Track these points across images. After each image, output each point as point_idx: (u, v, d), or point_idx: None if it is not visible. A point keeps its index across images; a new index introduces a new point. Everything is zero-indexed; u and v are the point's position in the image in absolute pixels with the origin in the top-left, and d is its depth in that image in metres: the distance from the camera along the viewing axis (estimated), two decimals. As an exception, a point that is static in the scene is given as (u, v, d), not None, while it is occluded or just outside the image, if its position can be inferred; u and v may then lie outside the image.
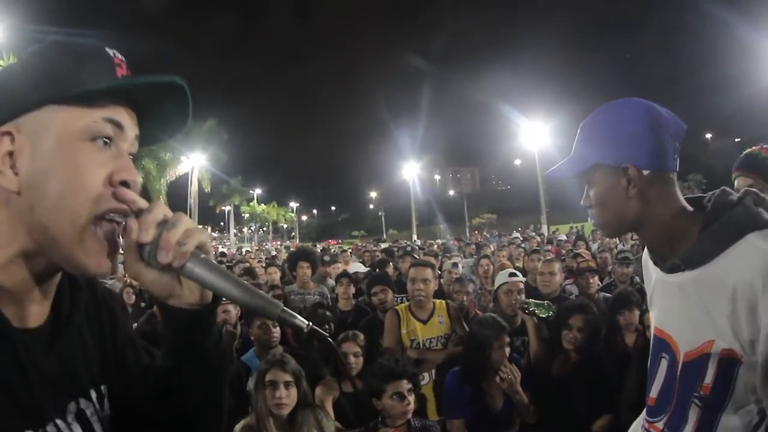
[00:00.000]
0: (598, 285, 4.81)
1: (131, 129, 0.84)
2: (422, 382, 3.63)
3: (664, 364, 1.42)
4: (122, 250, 0.84)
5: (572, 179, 1.49)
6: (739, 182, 2.06)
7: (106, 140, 0.81)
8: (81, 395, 0.86)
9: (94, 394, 0.89)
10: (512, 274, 4.14)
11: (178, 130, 0.93)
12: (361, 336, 3.54)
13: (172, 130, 0.94)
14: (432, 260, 5.48)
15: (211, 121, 37.10)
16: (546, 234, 23.31)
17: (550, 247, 11.03)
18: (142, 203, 0.82)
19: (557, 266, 4.63)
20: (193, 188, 36.94)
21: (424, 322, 3.85)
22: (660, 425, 1.40)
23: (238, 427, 2.74)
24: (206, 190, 38.60)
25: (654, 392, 1.45)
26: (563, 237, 16.61)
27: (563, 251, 9.14)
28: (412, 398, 2.80)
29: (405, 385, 2.78)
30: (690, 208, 1.36)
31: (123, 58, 0.85)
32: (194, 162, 35.76)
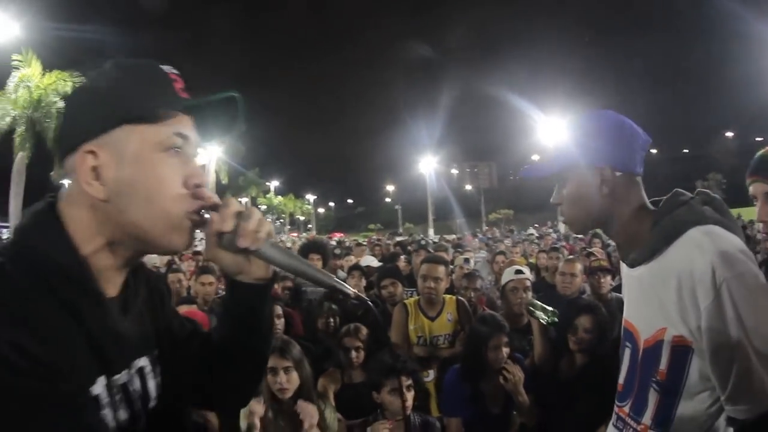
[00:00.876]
0: (611, 285, 4.59)
1: (194, 135, 1.02)
2: (426, 379, 3.63)
3: (627, 353, 1.58)
4: (205, 238, 1.04)
5: (546, 178, 1.62)
6: (755, 188, 1.92)
7: (177, 149, 0.98)
8: (144, 354, 1.07)
9: (151, 357, 1.10)
10: (518, 271, 4.04)
11: (233, 131, 1.12)
12: (364, 330, 3.51)
13: (227, 131, 1.12)
14: (444, 255, 5.45)
15: (228, 114, 37.31)
16: (562, 231, 23.14)
17: (564, 244, 10.94)
18: (217, 199, 1.02)
19: (579, 267, 4.48)
20: (211, 180, 37.22)
21: (433, 319, 3.82)
22: (626, 409, 1.55)
23: (244, 411, 2.74)
24: (223, 182, 38.84)
25: (621, 378, 1.61)
26: (580, 235, 16.47)
27: (577, 249, 9.06)
28: (411, 394, 2.80)
29: (404, 381, 2.78)
30: (651, 207, 1.51)
31: (177, 73, 1.01)
32: (211, 154, 36.01)
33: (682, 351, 1.36)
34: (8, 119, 19.14)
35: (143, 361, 1.07)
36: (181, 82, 1.00)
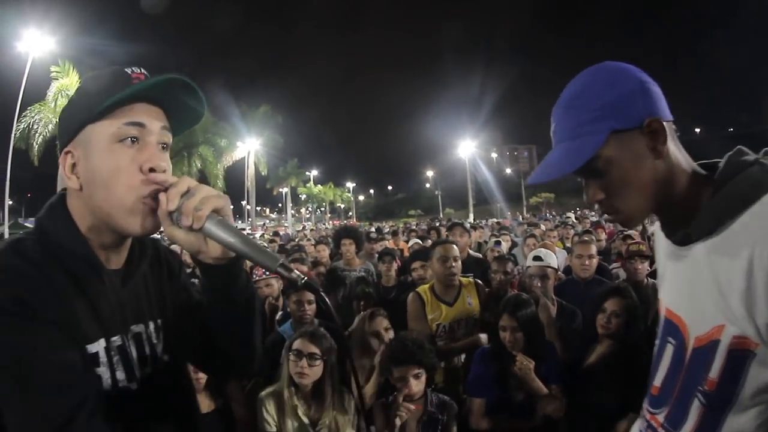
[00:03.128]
0: (647, 271, 4.37)
1: (155, 123, 1.09)
2: (457, 364, 3.65)
3: (670, 350, 1.26)
4: (160, 218, 1.08)
5: (571, 175, 1.22)
6: None
7: (133, 139, 1.07)
8: (141, 322, 1.19)
9: (152, 325, 1.22)
10: (536, 258, 3.93)
11: (201, 110, 1.17)
12: (386, 317, 3.46)
13: (197, 111, 1.18)
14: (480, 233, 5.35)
15: (265, 107, 37.83)
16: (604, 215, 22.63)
17: (606, 227, 10.74)
18: (171, 180, 1.06)
19: (594, 248, 4.36)
20: (250, 172, 37.81)
21: (451, 304, 3.69)
22: (660, 418, 1.26)
23: (263, 393, 2.82)
24: (263, 174, 39.45)
25: (658, 381, 1.30)
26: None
27: (616, 232, 8.87)
28: (417, 382, 2.78)
29: (411, 370, 2.76)
30: (702, 171, 1.19)
31: (142, 71, 1.09)
32: (250, 146, 36.53)
33: (740, 357, 1.06)
34: (50, 127, 20.29)
35: (140, 328, 1.19)
36: (143, 77, 1.09)
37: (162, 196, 1.05)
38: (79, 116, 1.08)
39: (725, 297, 1.05)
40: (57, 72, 20.44)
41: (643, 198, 1.16)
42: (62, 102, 19.92)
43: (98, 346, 1.07)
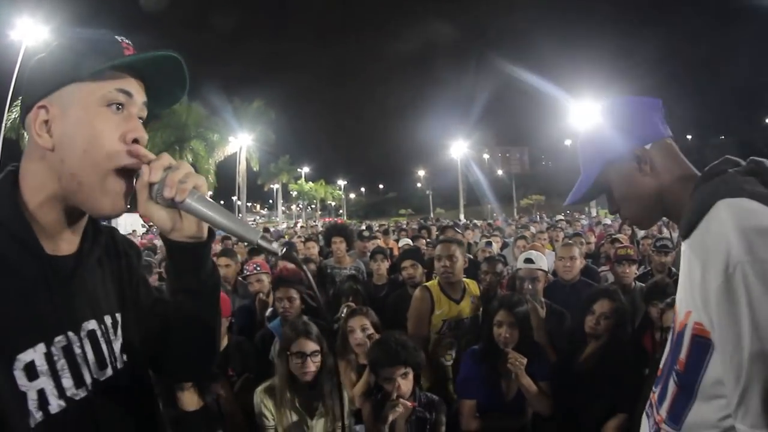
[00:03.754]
0: (635, 274, 4.55)
1: (139, 96, 1.06)
2: (448, 363, 3.68)
3: (670, 335, 1.43)
4: (137, 191, 1.04)
5: (595, 195, 1.57)
6: None
7: (119, 106, 1.02)
8: (95, 318, 1.07)
9: (108, 320, 1.11)
10: (527, 260, 3.96)
11: (181, 93, 1.14)
12: (372, 313, 3.45)
13: (175, 96, 1.15)
14: (470, 233, 5.41)
15: (258, 102, 37.69)
16: (594, 216, 22.78)
17: (594, 230, 10.82)
18: (151, 155, 1.03)
19: (577, 250, 4.42)
20: (242, 167, 37.65)
21: (458, 302, 3.74)
22: (656, 395, 1.42)
23: (259, 389, 2.85)
24: (254, 169, 39.30)
25: (661, 363, 1.46)
26: (609, 221, 16.22)
27: (605, 236, 8.94)
28: (404, 382, 2.79)
29: (397, 370, 2.77)
30: (697, 173, 1.36)
31: (129, 42, 1.06)
32: (242, 142, 36.39)
33: (702, 344, 1.19)
34: None
35: (95, 324, 1.07)
36: (132, 50, 1.05)
37: (144, 168, 1.02)
38: (63, 72, 1.00)
39: (691, 288, 1.22)
40: None
41: (642, 207, 1.44)
42: None
43: (34, 353, 0.93)
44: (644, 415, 1.50)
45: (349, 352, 3.32)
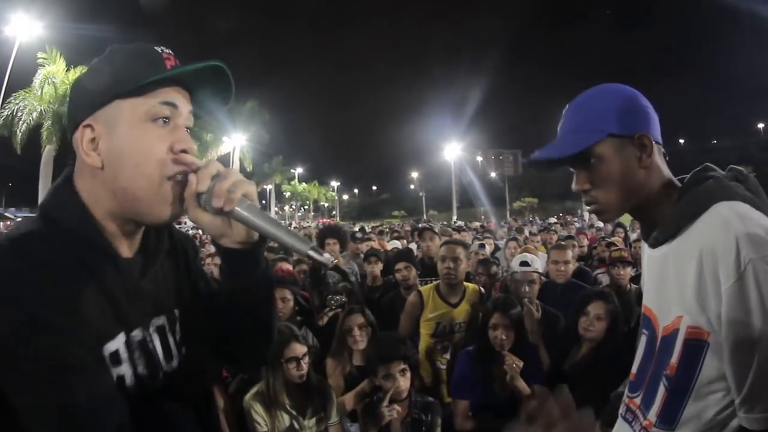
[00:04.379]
0: (630, 276, 4.57)
1: (185, 106, 1.07)
2: (443, 366, 3.68)
3: (644, 340, 1.46)
4: (186, 200, 1.05)
5: (562, 163, 1.42)
6: None
7: (165, 119, 1.04)
8: (162, 314, 1.13)
9: (171, 315, 1.16)
10: (523, 263, 3.98)
11: (227, 101, 1.15)
12: (368, 311, 3.50)
13: (221, 102, 1.16)
14: (465, 236, 5.33)
15: (252, 102, 37.58)
16: (586, 219, 22.84)
17: (588, 234, 10.86)
18: (199, 163, 1.05)
19: (570, 253, 4.44)
20: (235, 167, 37.40)
21: (455, 306, 3.72)
22: (638, 401, 1.43)
23: (247, 397, 2.85)
24: (248, 169, 39.11)
25: (634, 368, 1.49)
26: (601, 225, 16.27)
27: (598, 239, 8.98)
28: (403, 379, 2.82)
29: (395, 367, 2.80)
30: (678, 183, 1.37)
31: (170, 52, 1.06)
32: (235, 142, 36.29)
33: (695, 346, 1.23)
34: (35, 114, 19.73)
35: (162, 320, 1.13)
36: (173, 60, 1.06)
37: (192, 177, 1.03)
38: (105, 89, 1.02)
39: (683, 292, 1.24)
40: (44, 59, 19.90)
41: (621, 196, 1.36)
42: (48, 89, 19.52)
43: (118, 343, 1.01)
44: (622, 420, 1.50)
45: (343, 351, 3.33)
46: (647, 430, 1.36)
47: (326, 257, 1.01)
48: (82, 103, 1.04)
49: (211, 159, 1.10)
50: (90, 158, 1.02)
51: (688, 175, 1.36)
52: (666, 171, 1.38)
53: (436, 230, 6.55)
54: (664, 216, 1.34)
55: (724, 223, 1.18)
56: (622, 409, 1.52)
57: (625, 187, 1.35)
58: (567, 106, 1.45)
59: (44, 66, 20.05)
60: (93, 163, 1.02)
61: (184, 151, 1.04)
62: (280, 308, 3.63)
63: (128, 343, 1.03)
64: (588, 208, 1.44)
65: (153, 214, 1.05)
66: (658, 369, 1.35)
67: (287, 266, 4.83)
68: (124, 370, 1.01)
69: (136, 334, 1.05)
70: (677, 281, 1.27)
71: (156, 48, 1.06)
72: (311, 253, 0.99)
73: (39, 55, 20.02)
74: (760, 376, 1.11)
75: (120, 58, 1.05)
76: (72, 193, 1.05)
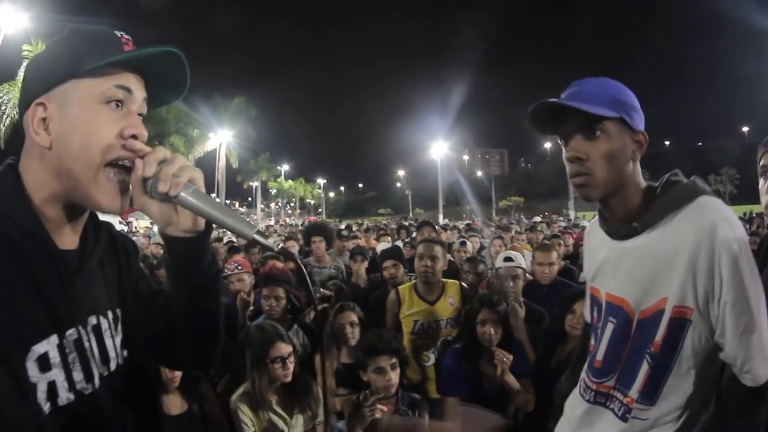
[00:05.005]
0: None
1: (139, 92, 1.05)
2: (426, 364, 3.67)
3: (609, 328, 1.56)
4: (131, 186, 1.04)
5: (557, 128, 1.50)
6: None
7: (118, 103, 1.02)
8: (100, 313, 1.07)
9: (110, 315, 1.11)
10: (507, 259, 3.98)
11: (181, 91, 1.13)
12: (358, 308, 3.51)
13: (175, 93, 1.14)
14: (449, 234, 5.39)
15: (239, 98, 37.44)
16: (572, 217, 23.01)
17: (572, 232, 10.92)
18: (147, 149, 1.02)
19: (555, 255, 4.46)
20: (221, 164, 37.33)
21: (432, 303, 3.72)
22: (611, 383, 1.55)
23: (234, 397, 2.82)
24: (234, 166, 39.01)
25: (600, 355, 1.59)
26: (587, 224, 16.39)
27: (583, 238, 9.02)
28: (395, 373, 2.83)
29: (386, 360, 2.81)
30: (645, 185, 1.52)
31: (129, 38, 1.05)
32: (222, 138, 36.11)
33: (679, 323, 1.38)
34: None
35: (100, 320, 1.07)
36: (131, 45, 1.04)
37: (138, 162, 1.01)
38: (62, 68, 0.99)
39: (668, 275, 1.37)
40: (29, 51, 19.45)
41: (611, 175, 1.43)
42: None
43: (48, 345, 0.94)
44: (591, 405, 1.60)
45: (332, 348, 3.34)
46: (629, 406, 1.49)
47: (271, 241, 1.01)
48: (37, 81, 1.01)
49: (158, 146, 1.07)
50: (39, 137, 0.99)
51: (663, 179, 1.49)
52: (640, 174, 1.51)
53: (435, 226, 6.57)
54: (637, 210, 1.47)
55: (716, 210, 1.35)
56: (588, 395, 1.61)
57: (615, 169, 1.43)
58: (583, 79, 1.51)
59: (29, 59, 19.71)
60: (41, 142, 0.99)
61: (133, 137, 1.02)
62: (272, 306, 3.63)
63: (61, 346, 0.96)
64: (574, 180, 1.48)
65: (91, 199, 1.01)
66: (637, 349, 1.47)
67: (280, 264, 4.83)
68: (55, 374, 0.95)
69: (71, 333, 0.99)
70: (662, 267, 1.39)
71: (116, 32, 1.04)
72: (257, 237, 0.99)
73: (24, 47, 19.64)
74: (754, 341, 1.32)
75: (79, 39, 1.03)
76: (13, 177, 1.01)
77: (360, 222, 21.33)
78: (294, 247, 7.57)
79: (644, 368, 1.45)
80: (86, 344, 1.02)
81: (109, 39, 1.03)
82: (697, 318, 1.37)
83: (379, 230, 12.44)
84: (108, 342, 1.08)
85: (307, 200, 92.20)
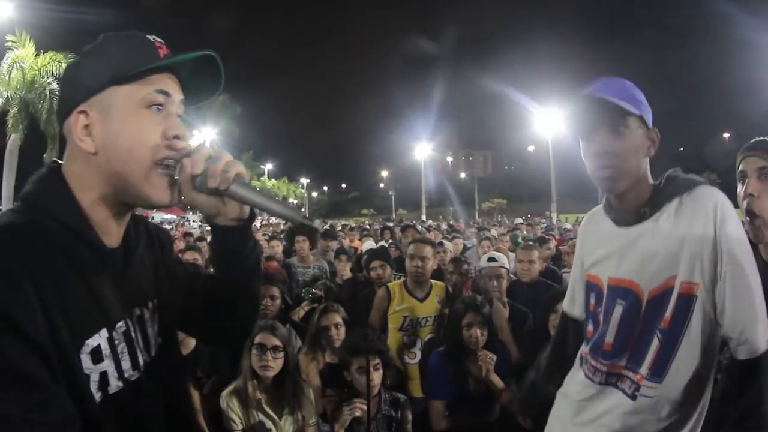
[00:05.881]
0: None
1: (177, 95, 1.11)
2: (411, 361, 3.70)
3: (618, 311, 1.63)
4: (179, 183, 1.10)
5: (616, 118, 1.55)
6: (747, 164, 1.86)
7: (159, 106, 1.07)
8: (143, 305, 1.16)
9: (150, 305, 1.19)
10: (491, 259, 4.04)
11: (215, 91, 1.20)
12: (342, 309, 3.52)
13: (210, 92, 1.20)
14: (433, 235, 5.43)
15: (223, 96, 37.09)
16: (554, 220, 23.19)
17: (555, 234, 11.03)
18: (191, 147, 1.10)
19: (536, 254, 4.55)
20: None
21: (421, 300, 3.81)
22: (623, 363, 1.62)
23: (224, 393, 2.81)
24: (217, 163, 38.69)
25: (610, 338, 1.65)
26: (568, 226, 16.55)
27: (566, 240, 9.12)
28: (378, 373, 2.84)
29: (371, 360, 2.81)
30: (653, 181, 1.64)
31: (162, 41, 1.10)
32: (205, 135, 35.81)
33: (687, 299, 1.49)
34: (1, 100, 18.76)
35: (143, 311, 1.16)
36: (165, 49, 1.10)
37: (186, 161, 1.07)
38: (100, 76, 1.04)
39: (677, 252, 1.49)
40: (13, 42, 18.86)
41: (635, 170, 1.55)
42: (16, 75, 18.58)
43: (100, 338, 1.00)
44: (604, 386, 1.66)
45: (317, 348, 3.33)
46: (638, 384, 1.57)
47: (318, 223, 1.13)
48: (76, 89, 1.05)
49: (201, 143, 1.14)
50: (84, 144, 1.03)
51: (664, 174, 1.62)
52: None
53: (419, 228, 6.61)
54: (644, 198, 1.59)
55: (718, 197, 1.49)
56: (599, 378, 1.67)
57: (635, 163, 1.56)
58: (600, 78, 1.63)
59: (13, 50, 18.99)
60: (87, 149, 1.03)
61: (176, 137, 1.08)
62: (268, 305, 3.64)
63: (111, 338, 1.02)
64: (602, 173, 1.57)
65: (143, 195, 1.07)
66: (647, 327, 1.56)
67: (275, 263, 4.82)
68: (106, 365, 1.01)
69: (120, 326, 1.06)
70: (670, 247, 1.51)
71: (148, 37, 1.09)
72: (304, 220, 1.10)
73: (8, 37, 18.94)
74: (755, 306, 1.44)
75: (115, 46, 1.08)
76: (58, 181, 1.05)
77: (344, 223, 21.26)
78: (277, 248, 7.55)
79: (654, 344, 1.54)
80: (133, 335, 1.09)
81: (143, 44, 1.08)
82: (703, 294, 1.47)
83: (363, 230, 12.43)
84: (149, 331, 1.16)
85: (291, 200, 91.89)
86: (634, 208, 1.61)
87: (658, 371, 1.53)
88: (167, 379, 1.18)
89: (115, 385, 1.02)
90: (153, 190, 1.07)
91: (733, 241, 1.45)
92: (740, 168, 1.88)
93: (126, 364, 1.06)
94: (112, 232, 1.10)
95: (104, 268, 1.05)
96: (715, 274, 1.46)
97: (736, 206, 1.72)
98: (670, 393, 1.52)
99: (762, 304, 1.45)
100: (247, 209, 1.17)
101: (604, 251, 1.72)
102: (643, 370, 1.56)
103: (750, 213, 1.80)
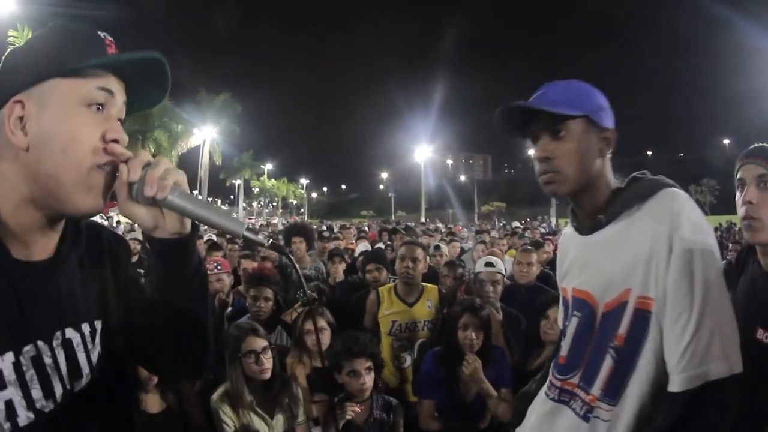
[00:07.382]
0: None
1: (120, 96, 1.02)
2: (404, 365, 3.68)
3: (574, 322, 1.55)
4: (116, 192, 1.01)
5: (524, 131, 1.54)
6: (746, 171, 1.79)
7: (99, 106, 0.99)
8: (71, 325, 1.02)
9: (87, 328, 1.05)
10: (488, 264, 4.02)
11: (161, 96, 1.11)
12: (327, 312, 3.46)
13: (154, 99, 1.12)
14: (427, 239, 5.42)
15: (224, 95, 37.08)
16: (553, 224, 23.20)
17: (552, 239, 11.01)
18: (129, 153, 1.00)
19: (535, 257, 4.57)
20: (204, 161, 36.93)
21: (411, 305, 3.75)
22: (575, 380, 1.52)
23: (214, 397, 2.80)
24: (217, 163, 38.64)
25: (564, 351, 1.58)
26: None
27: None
28: (370, 376, 2.83)
29: (362, 363, 2.80)
30: (615, 185, 1.54)
31: (112, 39, 1.03)
32: (206, 134, 35.78)
33: (642, 316, 1.36)
34: None
35: (71, 333, 1.02)
36: (114, 48, 1.02)
37: (122, 167, 0.98)
38: (43, 66, 0.96)
39: (633, 265, 1.38)
40: (14, 37, 18.50)
41: (579, 172, 1.46)
42: None
43: (2, 363, 0.89)
44: (556, 403, 1.56)
45: (303, 352, 3.31)
46: (590, 405, 1.45)
47: (261, 237, 1.01)
48: (16, 77, 0.97)
49: (141, 150, 1.05)
50: (15, 137, 0.94)
51: (629, 176, 1.54)
52: (611, 172, 1.54)
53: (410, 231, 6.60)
54: (604, 203, 1.50)
55: (680, 201, 1.36)
56: (553, 393, 1.59)
57: (582, 166, 1.46)
58: (550, 82, 1.56)
59: (15, 45, 19.09)
60: (18, 143, 0.94)
61: (115, 141, 0.99)
62: (260, 307, 3.61)
63: (17, 363, 0.91)
64: (542, 177, 1.52)
65: (73, 202, 0.97)
66: (601, 343, 1.45)
67: (269, 264, 4.81)
68: (11, 393, 0.90)
69: (29, 350, 0.94)
70: (626, 257, 1.40)
71: (99, 33, 1.02)
72: (247, 234, 0.98)
73: (10, 33, 18.83)
74: (702, 329, 1.27)
75: (62, 37, 1.01)
76: None
77: (343, 224, 21.24)
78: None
79: (607, 363, 1.42)
80: (48, 360, 0.96)
81: (92, 39, 1.01)
82: (657, 311, 1.34)
83: (360, 232, 12.41)
84: (81, 356, 1.02)
85: (290, 200, 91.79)
86: (591, 213, 1.53)
87: (613, 393, 1.40)
88: (104, 410, 1.05)
89: (24, 416, 0.91)
90: (84, 197, 0.97)
91: (686, 256, 1.30)
92: (739, 175, 1.82)
93: (36, 393, 0.94)
94: (35, 242, 1.00)
95: (9, 282, 0.92)
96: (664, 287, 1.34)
97: (733, 212, 1.69)
98: (628, 417, 1.37)
99: (715, 323, 1.28)
100: (188, 223, 1.05)
101: (568, 262, 1.67)
102: (596, 390, 1.43)
103: (748, 218, 1.72)
